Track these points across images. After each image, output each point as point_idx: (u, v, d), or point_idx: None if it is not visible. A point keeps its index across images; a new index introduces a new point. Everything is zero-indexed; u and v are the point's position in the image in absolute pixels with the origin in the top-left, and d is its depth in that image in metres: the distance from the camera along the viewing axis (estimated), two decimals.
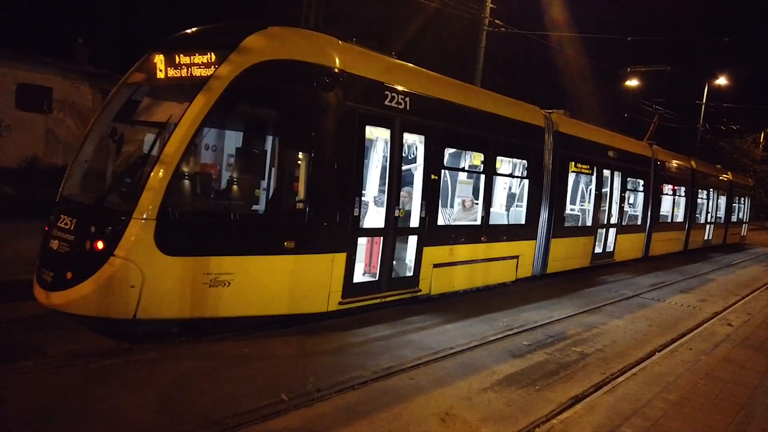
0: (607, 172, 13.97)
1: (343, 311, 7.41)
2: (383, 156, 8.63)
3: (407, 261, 8.42)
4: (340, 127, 6.99)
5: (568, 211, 12.91)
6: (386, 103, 7.60)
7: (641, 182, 16.33)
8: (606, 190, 14.04)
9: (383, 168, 8.47)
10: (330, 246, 7.00)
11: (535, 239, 11.33)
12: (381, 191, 8.57)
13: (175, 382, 5.18)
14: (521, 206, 11.19)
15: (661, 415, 5.33)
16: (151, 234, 5.57)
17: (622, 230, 15.09)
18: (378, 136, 8.67)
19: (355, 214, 7.27)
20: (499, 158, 10.40)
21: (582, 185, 14.22)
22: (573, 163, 12.45)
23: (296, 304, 6.81)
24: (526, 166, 10.93)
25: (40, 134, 17.61)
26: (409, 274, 8.37)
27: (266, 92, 6.55)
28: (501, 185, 11.55)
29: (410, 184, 8.55)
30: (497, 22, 17.97)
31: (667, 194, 18.36)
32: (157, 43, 6.78)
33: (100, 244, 5.57)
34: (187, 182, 6.18)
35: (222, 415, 4.60)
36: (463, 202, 10.22)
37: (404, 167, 8.36)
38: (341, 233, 7.10)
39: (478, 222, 9.73)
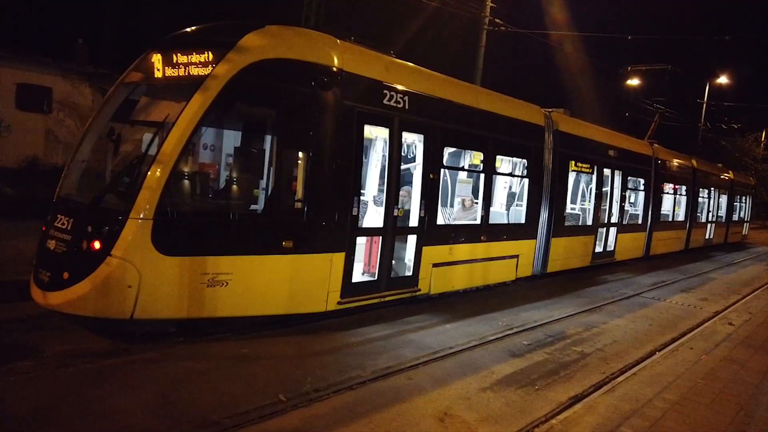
0: (607, 171, 13.93)
1: (341, 311, 7.39)
2: (382, 155, 8.60)
3: (406, 260, 8.40)
4: (338, 126, 6.96)
5: (568, 211, 12.88)
6: (385, 102, 7.58)
7: (642, 181, 16.29)
8: (606, 189, 14.00)
9: (382, 167, 8.45)
10: (328, 245, 6.98)
11: (535, 238, 11.30)
12: (380, 191, 8.54)
13: (173, 383, 5.16)
14: (521, 205, 11.16)
15: (661, 415, 5.30)
16: (148, 234, 5.55)
17: (622, 229, 15.05)
18: (377, 135, 8.64)
19: (353, 213, 7.24)
20: (498, 157, 10.38)
21: (582, 184, 14.19)
22: (573, 162, 12.41)
23: (295, 304, 6.79)
24: (526, 165, 10.90)
25: (40, 134, 17.61)
26: (409, 273, 8.34)
27: (264, 91, 6.53)
28: (501, 184, 11.53)
29: (409, 183, 8.52)
30: (497, 21, 17.95)
31: (668, 193, 18.31)
32: (155, 43, 6.76)
33: (97, 244, 5.55)
34: (184, 182, 6.15)
35: (220, 415, 4.58)
36: (463, 201, 10.19)
37: (403, 166, 8.34)
38: (340, 233, 7.07)
39: (478, 221, 9.69)
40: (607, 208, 14.18)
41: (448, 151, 9.27)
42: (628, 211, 15.74)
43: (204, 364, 5.67)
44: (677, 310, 10.63)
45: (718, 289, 13.55)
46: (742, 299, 12.19)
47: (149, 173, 5.60)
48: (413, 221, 8.31)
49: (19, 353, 5.43)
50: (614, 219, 14.54)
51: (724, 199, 24.60)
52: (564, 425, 4.95)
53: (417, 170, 8.40)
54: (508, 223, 11.01)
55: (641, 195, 16.48)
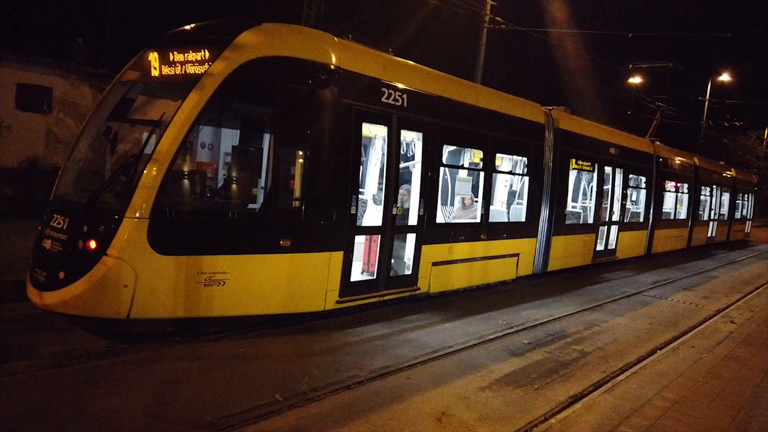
0: (608, 169, 13.87)
1: (340, 310, 7.35)
2: (381, 154, 8.56)
3: (406, 259, 8.35)
4: (336, 124, 6.92)
5: (569, 209, 12.83)
6: (383, 100, 7.53)
7: (643, 179, 16.22)
8: (607, 187, 13.94)
9: (381, 166, 8.41)
10: (327, 244, 6.94)
11: (536, 237, 11.24)
12: (379, 189, 8.51)
13: (169, 383, 5.13)
14: (521, 204, 11.11)
15: (661, 414, 5.25)
16: (144, 233, 5.51)
17: (624, 227, 14.99)
18: (375, 133, 8.60)
19: (352, 212, 7.20)
20: (498, 155, 10.33)
21: (583, 182, 14.14)
22: (574, 160, 12.35)
23: (292, 304, 6.75)
24: (526, 163, 10.85)
25: (40, 134, 17.61)
26: (408, 272, 8.30)
27: (261, 89, 6.50)
28: (501, 183, 11.48)
29: (409, 181, 8.48)
30: (498, 19, 17.89)
31: (669, 191, 18.24)
32: (151, 41, 6.73)
33: (92, 244, 5.52)
34: (180, 180, 6.13)
35: (215, 415, 4.54)
36: (463, 199, 10.15)
37: (402, 165, 8.30)
38: (338, 232, 7.03)
39: (478, 220, 9.65)
40: (608, 206, 14.12)
41: (447, 149, 9.22)
42: (629, 209, 15.68)
43: (200, 363, 5.64)
44: (679, 308, 10.57)
45: (720, 287, 13.49)
46: (744, 297, 12.12)
47: (145, 172, 5.57)
48: (412, 220, 8.26)
49: (15, 353, 5.40)
50: (615, 217, 14.48)
51: (726, 196, 24.52)
52: (563, 425, 4.90)
53: (416, 169, 8.36)
54: (509, 222, 10.96)
55: (643, 193, 16.42)
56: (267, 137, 6.84)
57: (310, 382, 5.29)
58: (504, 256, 10.34)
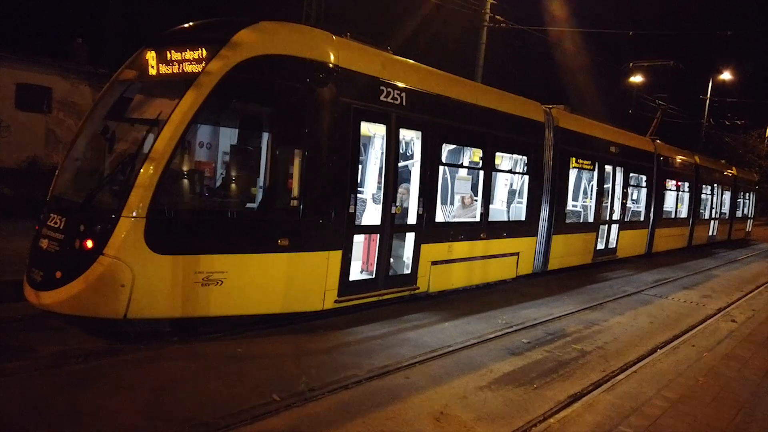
0: (609, 168, 13.83)
1: (339, 310, 7.32)
2: (380, 152, 8.53)
3: (405, 258, 8.32)
4: (334, 123, 6.89)
5: (569, 208, 12.80)
6: (382, 98, 7.50)
7: (644, 178, 16.18)
8: (608, 185, 13.90)
9: (380, 165, 8.38)
10: (325, 244, 6.91)
11: (536, 236, 11.21)
12: (378, 188, 8.48)
13: (165, 383, 5.10)
14: (521, 203, 11.08)
15: (661, 413, 5.22)
16: (141, 232, 5.49)
17: (624, 226, 14.95)
18: (374, 132, 8.58)
19: (350, 211, 7.17)
20: (498, 154, 10.30)
21: (584, 181, 14.11)
22: (574, 158, 12.32)
23: (291, 303, 6.73)
24: (526, 162, 10.82)
25: (40, 134, 17.61)
26: (407, 271, 8.27)
27: (258, 88, 6.47)
28: (501, 181, 11.45)
29: (408, 180, 8.45)
30: (498, 17, 17.84)
31: (670, 190, 18.20)
32: (148, 40, 6.70)
33: (89, 243, 5.49)
34: (177, 179, 6.11)
35: (212, 415, 4.51)
36: (462, 198, 10.12)
37: (401, 164, 8.27)
38: (336, 231, 7.00)
39: (478, 219, 9.62)
40: (609, 205, 14.08)
41: (446, 148, 9.20)
42: (630, 207, 15.64)
43: (198, 363, 5.61)
44: (679, 307, 10.54)
45: (721, 286, 13.45)
46: (745, 296, 12.08)
47: (142, 171, 5.54)
48: (411, 219, 8.23)
49: (12, 353, 5.37)
50: (616, 216, 14.44)
51: (727, 195, 24.46)
52: (562, 424, 4.87)
53: (415, 167, 8.33)
54: (509, 221, 10.93)
55: (643, 191, 16.37)
56: (265, 136, 6.82)
57: (307, 382, 5.27)
58: (504, 255, 10.31)
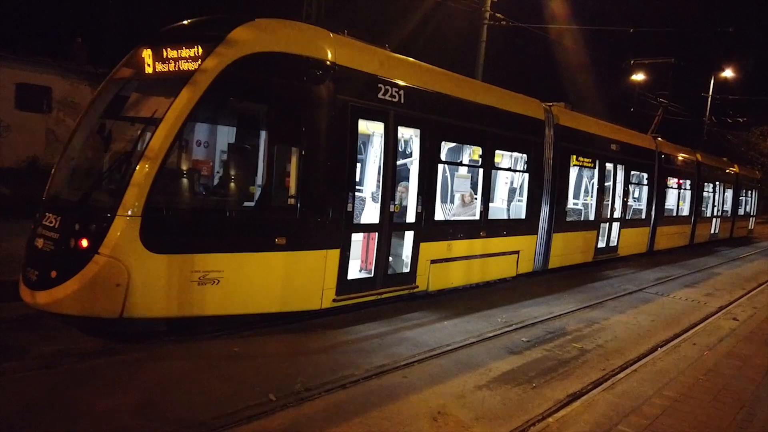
0: (609, 166, 13.77)
1: (337, 309, 7.28)
2: (378, 150, 8.48)
3: (404, 257, 8.28)
4: (332, 121, 6.85)
5: (570, 206, 12.73)
6: (380, 96, 7.46)
7: (645, 176, 16.11)
8: (609, 183, 13.84)
9: (378, 163, 8.33)
10: (323, 242, 6.87)
11: (536, 234, 11.16)
12: (376, 186, 8.43)
13: (161, 382, 5.07)
14: (521, 201, 11.03)
15: (661, 412, 5.17)
16: (137, 231, 5.45)
17: (625, 224, 14.89)
18: (373, 130, 8.54)
19: (348, 209, 7.14)
20: (498, 152, 10.25)
21: (584, 179, 14.04)
22: (575, 156, 12.27)
23: (288, 302, 6.69)
24: (526, 159, 10.77)
25: (40, 134, 17.62)
26: (406, 270, 8.23)
27: (255, 85, 6.42)
28: (501, 179, 11.40)
29: (406, 178, 8.40)
30: (498, 15, 17.77)
31: (672, 187, 18.13)
32: (145, 38, 6.67)
33: (84, 242, 5.46)
34: (173, 178, 6.06)
35: (207, 415, 4.48)
36: (462, 196, 10.06)
37: (400, 162, 8.23)
38: (334, 229, 6.97)
39: (477, 217, 9.57)
40: (610, 203, 14.02)
41: (445, 146, 9.15)
42: (631, 205, 15.58)
43: (194, 363, 5.58)
44: (681, 305, 10.48)
45: (722, 284, 13.37)
46: (747, 294, 12.01)
47: (137, 170, 5.51)
48: (410, 217, 8.19)
49: (7, 354, 5.34)
50: (617, 214, 14.37)
51: (729, 193, 24.37)
52: (561, 423, 4.83)
53: (414, 165, 8.28)
54: (509, 219, 10.88)
55: (645, 189, 16.31)
56: (261, 134, 6.77)
57: (304, 382, 5.23)
58: (504, 254, 10.26)
